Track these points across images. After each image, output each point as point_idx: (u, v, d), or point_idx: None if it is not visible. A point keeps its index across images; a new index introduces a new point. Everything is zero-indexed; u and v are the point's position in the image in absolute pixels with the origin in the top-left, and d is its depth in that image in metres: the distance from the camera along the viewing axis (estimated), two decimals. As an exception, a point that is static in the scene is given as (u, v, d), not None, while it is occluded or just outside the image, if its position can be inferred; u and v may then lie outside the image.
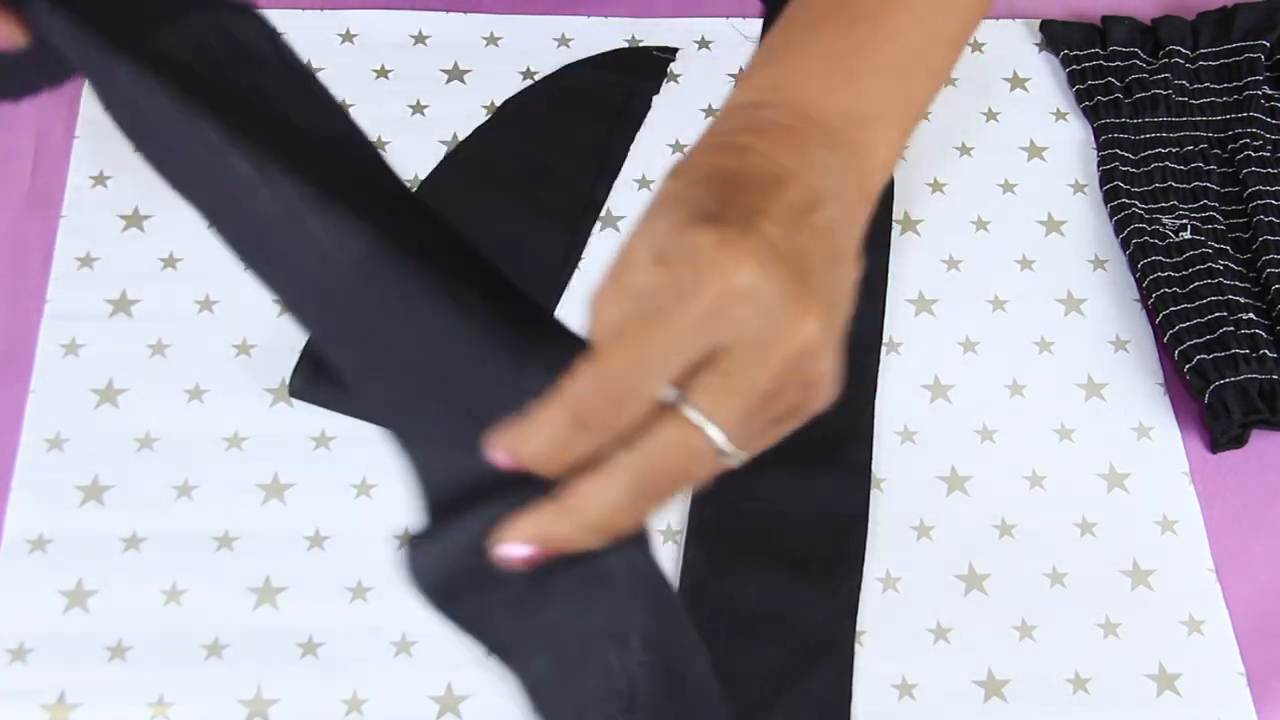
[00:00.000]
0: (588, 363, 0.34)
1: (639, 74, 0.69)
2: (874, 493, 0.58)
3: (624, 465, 0.35)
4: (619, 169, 0.66)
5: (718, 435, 0.34)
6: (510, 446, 0.35)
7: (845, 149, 0.39)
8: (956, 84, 0.71)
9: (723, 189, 0.36)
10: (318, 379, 0.58)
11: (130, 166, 0.64)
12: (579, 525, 0.35)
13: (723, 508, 0.57)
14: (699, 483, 0.36)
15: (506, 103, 0.68)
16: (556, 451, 0.35)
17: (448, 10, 0.71)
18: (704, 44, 0.70)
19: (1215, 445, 0.61)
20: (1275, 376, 0.60)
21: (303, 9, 0.70)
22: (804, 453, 0.58)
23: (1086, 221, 0.67)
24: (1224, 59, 0.71)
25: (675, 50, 0.70)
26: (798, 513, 0.57)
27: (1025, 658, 0.55)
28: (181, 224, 0.63)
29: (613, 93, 0.67)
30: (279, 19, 0.69)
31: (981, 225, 0.67)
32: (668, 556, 0.56)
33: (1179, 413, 0.62)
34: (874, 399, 0.61)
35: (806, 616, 0.55)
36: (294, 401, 0.58)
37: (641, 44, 0.70)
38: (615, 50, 0.70)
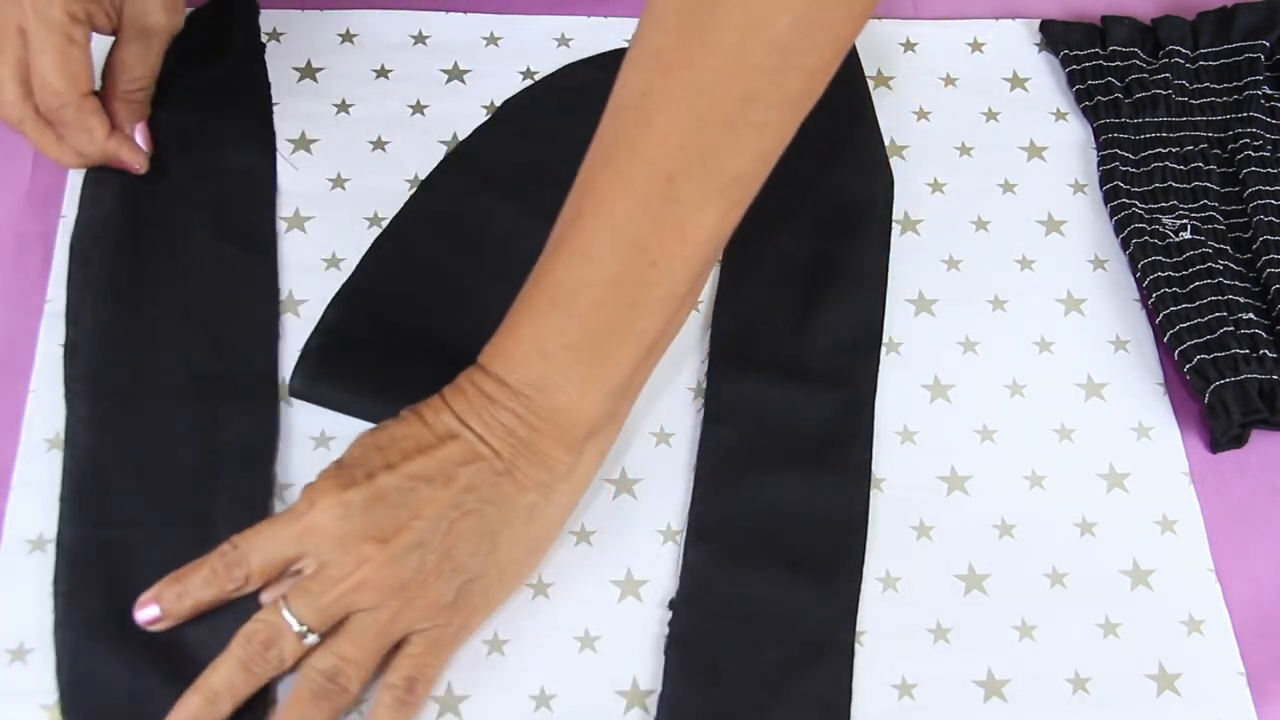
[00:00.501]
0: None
1: None
2: (874, 493, 0.58)
3: (234, 641, 0.49)
4: None
5: (294, 622, 0.49)
6: (157, 593, 0.51)
7: (536, 412, 0.51)
8: (957, 84, 0.71)
9: (385, 442, 0.51)
10: (318, 379, 0.58)
11: (130, 166, 0.64)
12: (206, 695, 0.49)
13: (723, 508, 0.57)
14: (290, 659, 0.49)
15: (507, 103, 0.68)
16: (187, 595, 0.51)
17: (448, 10, 0.71)
18: (704, 44, 0.70)
19: (1215, 445, 0.61)
20: (1275, 376, 0.60)
21: (303, 9, 0.70)
22: (804, 453, 0.58)
23: (1086, 221, 0.67)
24: (1224, 59, 0.71)
25: None
26: (798, 513, 0.57)
27: (1025, 658, 0.55)
28: (181, 224, 0.63)
29: None
30: (280, 19, 0.70)
31: (981, 225, 0.67)
32: (668, 556, 0.56)
33: (1179, 413, 0.62)
34: (874, 399, 0.61)
35: (806, 616, 0.55)
36: (293, 401, 0.58)
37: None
38: (615, 50, 0.70)
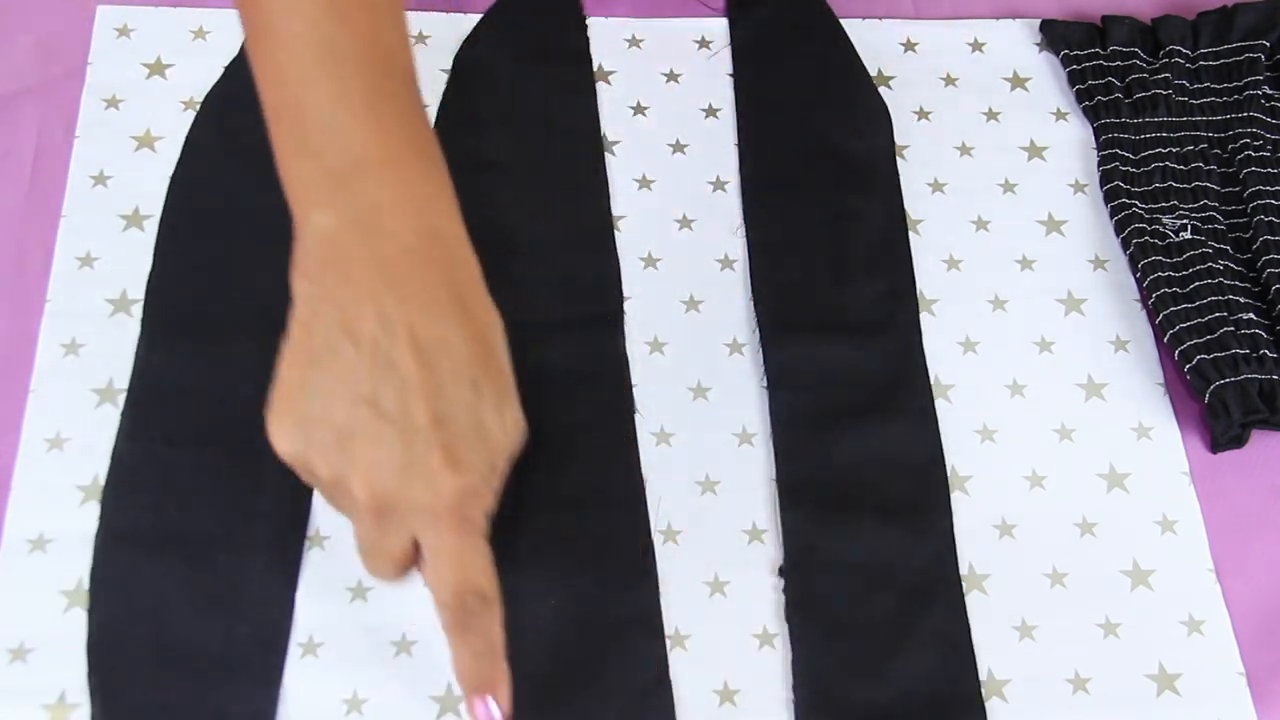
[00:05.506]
0: None
1: None
2: (875, 492, 0.59)
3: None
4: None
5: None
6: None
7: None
8: (957, 84, 0.71)
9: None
10: None
11: (130, 166, 0.64)
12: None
13: (806, 469, 0.58)
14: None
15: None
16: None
17: (448, 10, 0.71)
18: (704, 44, 0.70)
19: (1215, 445, 0.61)
20: (1275, 376, 0.60)
21: (303, 9, 0.70)
22: (867, 403, 0.60)
23: (1086, 221, 0.67)
24: (1224, 59, 0.71)
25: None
26: (876, 461, 0.58)
27: (1025, 658, 0.55)
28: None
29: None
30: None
31: (981, 225, 0.67)
32: (667, 556, 0.56)
33: (1179, 413, 0.62)
34: (920, 342, 0.62)
35: (908, 558, 0.56)
36: None
37: (641, 43, 0.70)
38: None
